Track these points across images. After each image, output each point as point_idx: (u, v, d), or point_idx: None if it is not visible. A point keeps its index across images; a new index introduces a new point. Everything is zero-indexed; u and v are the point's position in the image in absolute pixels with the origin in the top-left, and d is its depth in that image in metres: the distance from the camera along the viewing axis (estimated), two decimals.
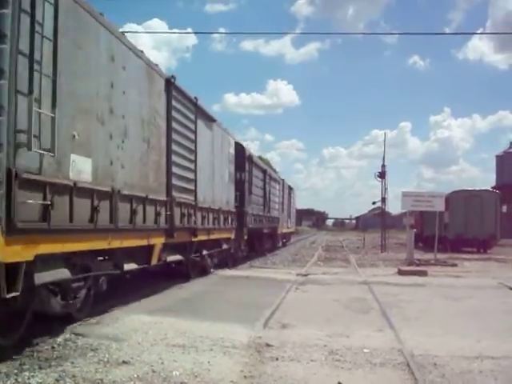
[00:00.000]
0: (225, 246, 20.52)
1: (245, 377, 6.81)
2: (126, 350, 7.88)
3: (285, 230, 44.49)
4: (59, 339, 8.29)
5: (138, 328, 9.32)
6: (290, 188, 50.24)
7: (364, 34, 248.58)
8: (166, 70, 13.83)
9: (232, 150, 21.76)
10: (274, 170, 45.02)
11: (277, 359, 7.71)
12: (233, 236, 21.60)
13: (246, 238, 24.31)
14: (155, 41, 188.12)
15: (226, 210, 20.12)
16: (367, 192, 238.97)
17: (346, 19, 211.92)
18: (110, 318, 10.11)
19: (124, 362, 7.22)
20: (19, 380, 6.32)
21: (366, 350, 8.29)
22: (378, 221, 68.78)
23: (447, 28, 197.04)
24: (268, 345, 8.48)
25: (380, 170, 40.44)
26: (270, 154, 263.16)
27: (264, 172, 31.06)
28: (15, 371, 6.65)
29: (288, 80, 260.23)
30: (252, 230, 26.23)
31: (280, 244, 42.56)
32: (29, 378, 6.38)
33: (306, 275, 19.92)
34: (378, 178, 40.33)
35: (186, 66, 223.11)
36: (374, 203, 45.24)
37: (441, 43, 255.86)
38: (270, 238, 35.28)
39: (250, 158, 26.66)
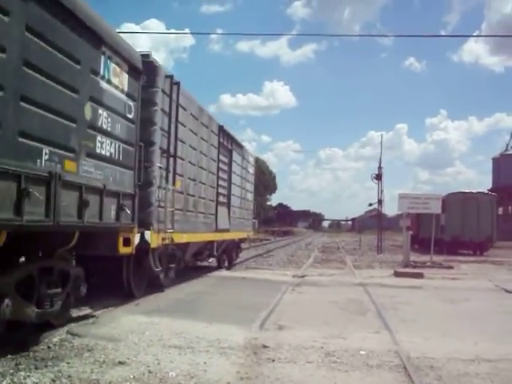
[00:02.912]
0: None
1: (241, 378, 6.79)
2: (123, 350, 7.85)
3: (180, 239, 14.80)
4: (55, 339, 8.26)
5: (134, 328, 9.28)
6: (231, 138, 21.71)
7: (360, 35, 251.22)
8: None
9: None
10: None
11: (273, 360, 7.68)
12: None
13: None
14: (153, 41, 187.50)
15: None
16: (363, 194, 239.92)
17: (341, 21, 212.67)
18: (106, 318, 10.08)
19: (120, 363, 7.19)
20: (15, 380, 6.28)
21: (362, 352, 8.27)
22: (374, 222, 68.98)
23: (443, 30, 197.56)
24: (264, 346, 8.46)
25: (376, 172, 40.51)
26: (266, 154, 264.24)
27: None
28: (11, 371, 6.61)
29: (284, 81, 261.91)
30: None
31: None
32: (25, 378, 6.34)
33: (302, 277, 19.86)
34: (375, 180, 40.45)
35: (183, 66, 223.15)
36: (370, 205, 45.33)
37: (437, 45, 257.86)
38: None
39: None
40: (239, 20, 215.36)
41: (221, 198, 20.15)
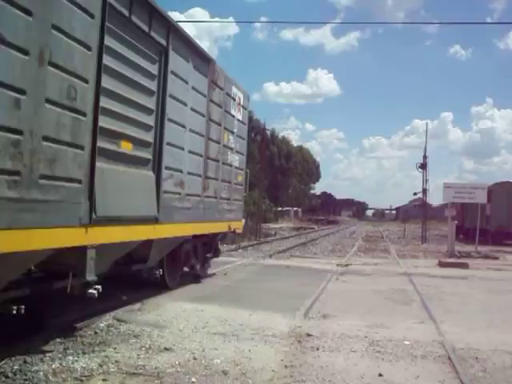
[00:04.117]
0: None
1: (285, 366, 6.81)
2: (168, 336, 7.95)
3: None
4: (102, 325, 8.39)
5: (179, 315, 9.38)
6: (159, 17, 9.05)
7: (404, 23, 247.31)
8: None
9: None
10: None
11: (317, 349, 7.70)
12: None
13: None
14: (197, 30, 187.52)
15: None
16: (408, 183, 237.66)
17: (385, 8, 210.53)
18: (152, 305, 10.19)
19: (166, 349, 7.28)
20: (63, 364, 6.41)
21: (406, 342, 8.24)
22: (418, 212, 68.22)
23: (489, 17, 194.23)
24: (309, 334, 8.48)
25: (421, 161, 40.14)
26: (310, 143, 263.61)
27: None
28: (59, 355, 6.75)
29: (328, 69, 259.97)
30: None
31: None
32: (73, 363, 6.47)
33: (346, 265, 19.86)
34: (420, 169, 40.06)
35: (227, 54, 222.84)
36: (415, 194, 44.83)
37: (482, 33, 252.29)
38: None
39: None
40: (283, 8, 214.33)
41: (119, 147, 8.27)
